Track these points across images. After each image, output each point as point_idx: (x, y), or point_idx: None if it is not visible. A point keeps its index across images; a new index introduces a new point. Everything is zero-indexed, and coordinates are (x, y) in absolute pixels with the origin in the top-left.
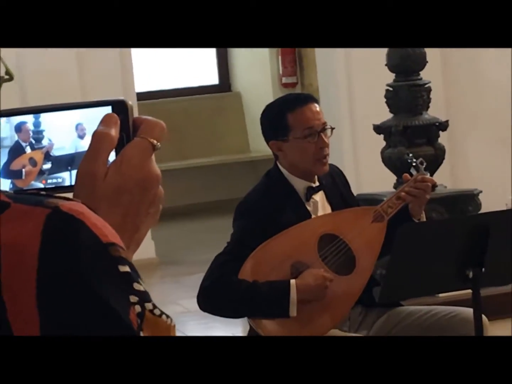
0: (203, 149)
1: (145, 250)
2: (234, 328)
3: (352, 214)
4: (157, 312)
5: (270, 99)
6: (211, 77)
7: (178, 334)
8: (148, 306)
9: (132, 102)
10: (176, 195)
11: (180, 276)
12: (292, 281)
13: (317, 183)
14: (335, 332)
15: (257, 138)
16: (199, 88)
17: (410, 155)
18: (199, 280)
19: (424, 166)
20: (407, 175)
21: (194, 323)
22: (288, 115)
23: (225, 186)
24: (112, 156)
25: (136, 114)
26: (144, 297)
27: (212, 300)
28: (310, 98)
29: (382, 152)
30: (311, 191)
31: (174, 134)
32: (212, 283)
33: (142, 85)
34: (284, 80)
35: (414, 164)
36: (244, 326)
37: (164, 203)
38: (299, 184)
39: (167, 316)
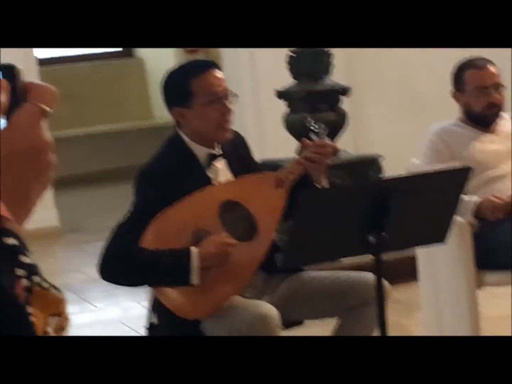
0: (106, 115)
1: (48, 218)
2: (137, 295)
3: (254, 180)
4: (45, 285)
5: (173, 65)
6: None
7: (80, 302)
8: (36, 279)
9: (31, 67)
10: (78, 162)
11: (83, 243)
12: (193, 249)
13: (218, 150)
14: (238, 299)
15: (160, 105)
16: (102, 54)
17: (310, 120)
18: (101, 247)
19: (324, 131)
20: (305, 140)
21: (97, 291)
22: (191, 82)
23: (128, 153)
24: (2, 123)
25: (38, 80)
26: (32, 270)
27: (112, 269)
28: (213, 64)
29: (285, 117)
30: (212, 158)
31: (77, 100)
32: (113, 252)
33: (45, 51)
34: None
35: (313, 129)
36: (148, 294)
37: (65, 171)
38: (200, 151)
39: (57, 289)
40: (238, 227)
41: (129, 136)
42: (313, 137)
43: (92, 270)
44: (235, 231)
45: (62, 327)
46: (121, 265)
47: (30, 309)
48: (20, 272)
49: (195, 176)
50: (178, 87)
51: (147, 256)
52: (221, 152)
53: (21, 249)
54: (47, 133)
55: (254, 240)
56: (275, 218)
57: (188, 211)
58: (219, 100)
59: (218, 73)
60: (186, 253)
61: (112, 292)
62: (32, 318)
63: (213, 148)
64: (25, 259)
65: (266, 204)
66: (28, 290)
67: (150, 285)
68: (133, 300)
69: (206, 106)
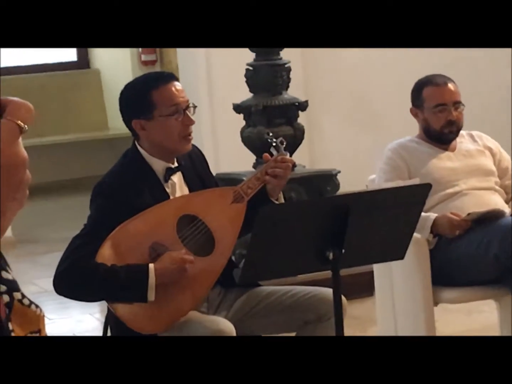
0: (60, 126)
1: None
2: (90, 308)
3: (212, 194)
4: (26, 302)
5: (129, 76)
6: (69, 53)
7: None
8: (17, 295)
9: None
10: (33, 173)
11: (37, 255)
12: (151, 266)
13: (175, 164)
14: (194, 314)
15: (116, 116)
16: (56, 65)
17: (270, 134)
18: (55, 259)
19: (284, 145)
20: (267, 155)
21: (51, 303)
22: (152, 93)
23: (83, 164)
24: None
25: None
26: (13, 286)
27: (68, 284)
28: (172, 76)
29: (242, 131)
30: (170, 172)
31: None
32: (68, 266)
33: None
34: (143, 57)
35: (274, 144)
36: (102, 306)
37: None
38: (158, 165)
39: (36, 306)
40: (196, 242)
41: (84, 147)
42: (273, 151)
43: (44, 282)
44: (193, 245)
45: None
46: (76, 279)
47: (10, 326)
48: (1, 288)
49: (153, 191)
50: (138, 98)
51: (103, 271)
52: (178, 165)
53: (3, 265)
54: (23, 150)
55: (212, 255)
56: (234, 233)
57: (146, 225)
58: (181, 111)
59: (178, 85)
60: (143, 270)
61: (65, 304)
62: (13, 335)
63: (171, 161)
64: (6, 275)
65: (225, 218)
66: (9, 306)
67: (105, 300)
68: (87, 313)
69: (168, 117)
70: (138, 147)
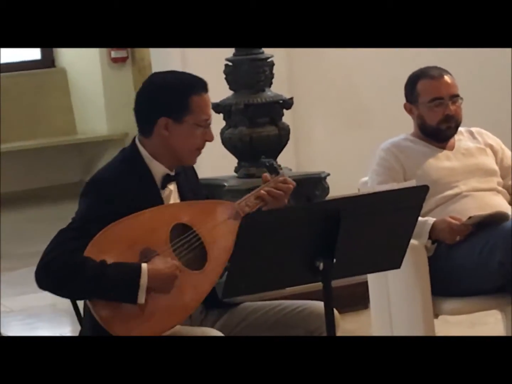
0: (24, 131)
1: None
2: (61, 328)
3: (209, 206)
4: None
5: (98, 75)
6: (32, 51)
7: None
8: None
9: None
10: None
11: (1, 272)
12: (144, 265)
13: (173, 172)
14: (179, 327)
15: (85, 118)
16: (18, 64)
17: (267, 159)
18: (22, 276)
19: (281, 169)
20: (266, 175)
21: (18, 324)
22: (193, 97)
23: (50, 171)
24: None
25: None
26: None
27: (53, 277)
28: (207, 87)
29: (222, 132)
30: (168, 179)
31: None
32: (54, 259)
33: None
34: (113, 54)
35: (271, 167)
36: (73, 326)
37: None
38: (158, 170)
39: None
40: (188, 254)
41: (51, 153)
42: (273, 174)
43: (11, 300)
44: (184, 257)
45: None
46: (61, 273)
47: None
48: None
49: (148, 194)
50: (177, 98)
51: (91, 266)
52: (175, 174)
53: None
54: None
55: (202, 270)
56: (226, 250)
57: (138, 228)
58: (208, 124)
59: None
60: (136, 268)
61: (34, 324)
62: None
63: (171, 169)
64: None
65: (219, 234)
66: None
67: (92, 297)
68: (56, 333)
69: (198, 127)
70: (140, 147)
